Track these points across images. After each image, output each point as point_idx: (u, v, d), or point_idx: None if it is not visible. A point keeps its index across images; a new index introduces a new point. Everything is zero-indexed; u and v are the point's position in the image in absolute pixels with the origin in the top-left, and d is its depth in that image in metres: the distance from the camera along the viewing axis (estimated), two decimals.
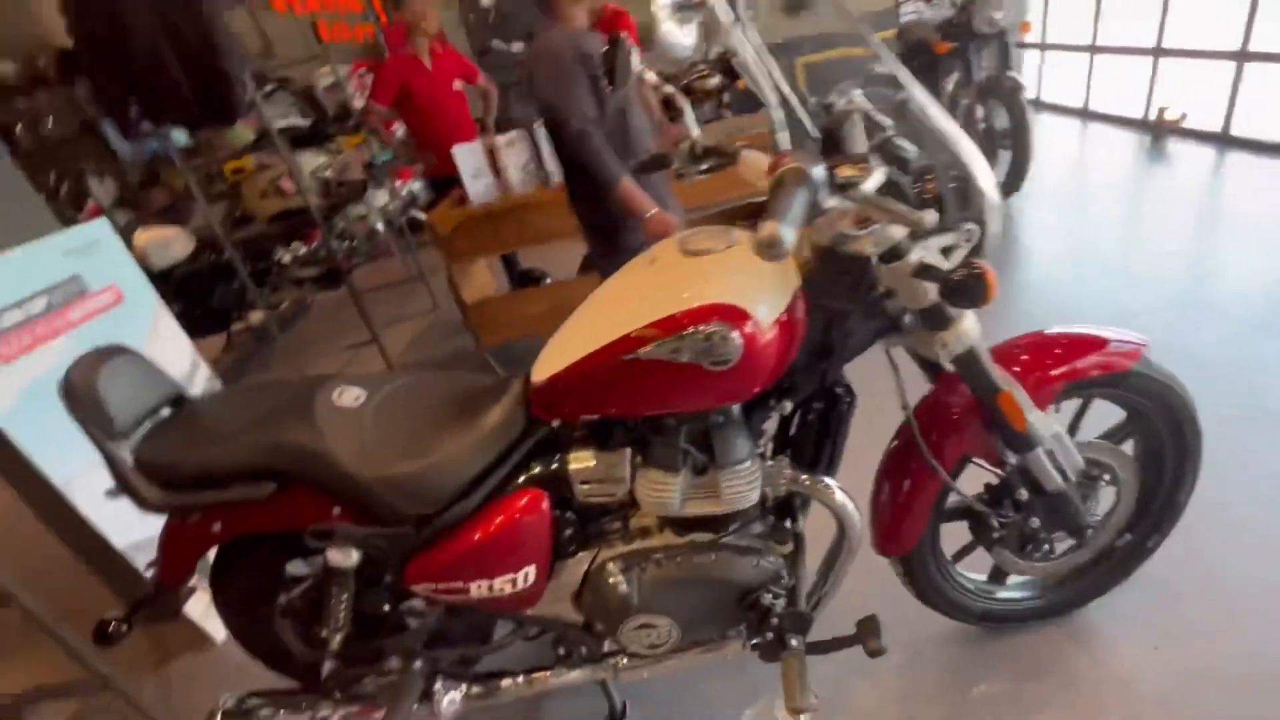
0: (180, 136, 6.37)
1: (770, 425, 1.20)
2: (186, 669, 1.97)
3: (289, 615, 1.39)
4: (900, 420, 1.27)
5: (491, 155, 3.00)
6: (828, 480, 1.14)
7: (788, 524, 1.21)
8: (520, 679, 1.35)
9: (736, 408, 1.13)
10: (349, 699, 1.33)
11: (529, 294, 3.07)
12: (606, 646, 1.35)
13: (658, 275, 1.03)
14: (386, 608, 1.40)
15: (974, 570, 1.44)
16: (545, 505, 1.16)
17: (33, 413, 1.67)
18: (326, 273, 3.48)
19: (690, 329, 0.93)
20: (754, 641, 1.25)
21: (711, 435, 1.09)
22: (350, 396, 1.22)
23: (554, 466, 1.18)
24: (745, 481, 1.09)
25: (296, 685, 1.46)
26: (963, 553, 1.41)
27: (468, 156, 2.92)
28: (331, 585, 1.27)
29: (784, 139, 1.14)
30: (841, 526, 1.18)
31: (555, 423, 1.18)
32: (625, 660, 1.34)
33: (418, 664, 1.29)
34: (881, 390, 1.17)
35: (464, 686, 1.33)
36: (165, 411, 1.27)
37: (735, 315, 0.93)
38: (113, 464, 1.16)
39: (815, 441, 1.17)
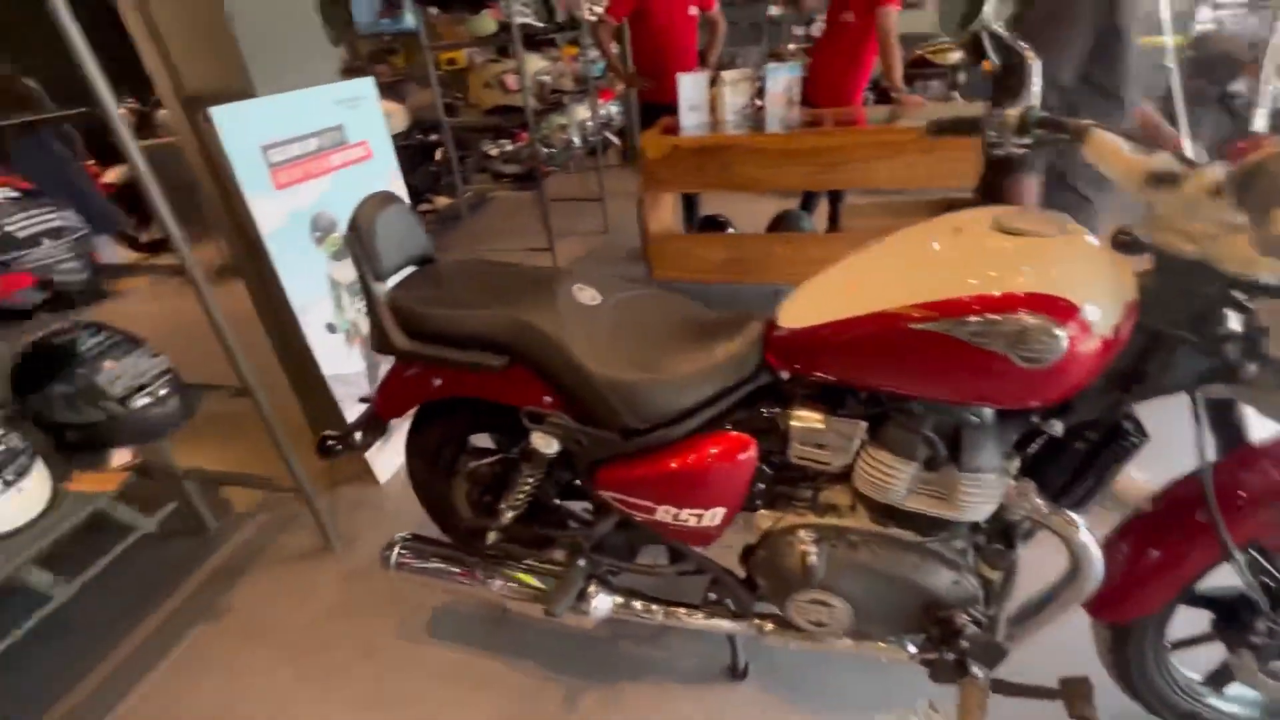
0: (410, 18, 6.79)
1: (1016, 438, 1.07)
2: (351, 497, 2.20)
3: (472, 481, 1.48)
4: (1166, 476, 1.10)
5: (712, 90, 2.92)
6: (1074, 516, 1.01)
7: (1003, 549, 1.10)
8: (664, 610, 1.37)
9: (991, 411, 1.02)
10: (506, 572, 1.41)
11: (712, 239, 3.01)
12: (757, 606, 1.34)
13: (968, 246, 0.92)
14: (558, 501, 1.46)
15: (1187, 665, 1.25)
16: (753, 453, 1.13)
17: (290, 239, 1.87)
18: (525, 173, 3.60)
19: (1012, 314, 0.83)
20: (928, 656, 1.18)
21: (962, 433, 0.99)
22: (588, 295, 1.24)
23: (772, 417, 1.13)
24: (985, 491, 0.99)
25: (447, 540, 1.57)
26: (1186, 643, 1.23)
27: (691, 87, 2.85)
28: (524, 465, 1.33)
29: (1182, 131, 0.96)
30: (1075, 570, 1.04)
31: (785, 374, 1.13)
32: (771, 625, 1.32)
33: (582, 562, 1.33)
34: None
35: (614, 598, 1.37)
36: (412, 267, 1.36)
37: (1065, 312, 0.82)
38: (371, 302, 1.25)
39: (1073, 473, 1.03)
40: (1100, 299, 0.84)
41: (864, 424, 1.05)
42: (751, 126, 2.84)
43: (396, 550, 1.48)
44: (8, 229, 1.21)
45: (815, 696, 1.43)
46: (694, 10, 3.23)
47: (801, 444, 1.09)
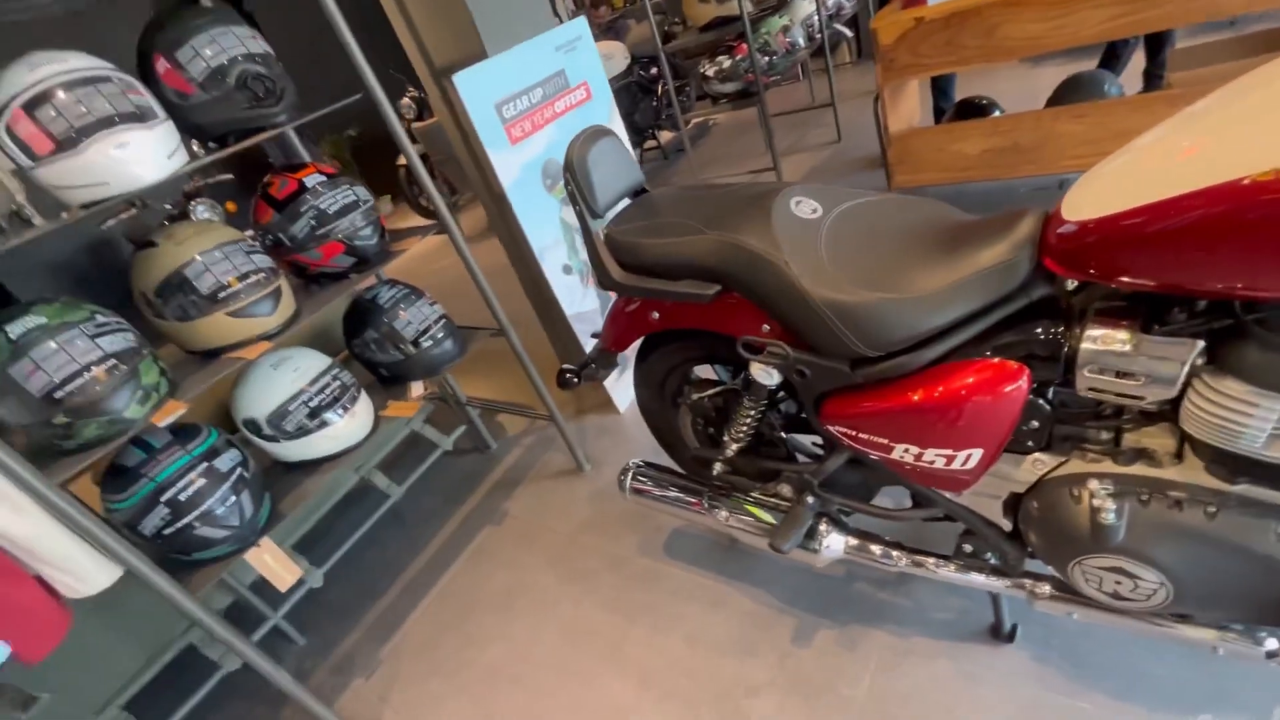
0: None
1: None
2: (596, 424, 2.41)
3: (695, 412, 1.48)
4: None
5: None
6: None
7: None
8: (907, 557, 1.23)
9: None
10: (732, 504, 1.40)
11: (969, 127, 2.49)
12: (1027, 564, 1.12)
13: None
14: (783, 435, 1.39)
15: None
16: (1024, 384, 0.91)
17: (525, 189, 2.02)
18: (743, 89, 3.40)
19: None
20: None
21: None
22: (808, 208, 1.10)
23: (1051, 338, 0.89)
24: None
25: (679, 470, 1.61)
26: None
27: None
28: (744, 398, 1.28)
29: None
30: None
31: (1072, 282, 0.87)
32: (1046, 588, 1.09)
33: (810, 500, 1.25)
34: None
35: (847, 539, 1.27)
36: (626, 200, 1.35)
37: None
38: (589, 238, 1.28)
39: None
40: None
41: (1200, 343, 0.76)
42: None
43: (631, 477, 1.56)
44: (322, 206, 1.50)
45: (1110, 677, 1.18)
46: None
47: (1099, 373, 0.84)
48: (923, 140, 2.60)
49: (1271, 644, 0.91)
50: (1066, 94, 2.47)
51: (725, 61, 3.35)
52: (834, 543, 1.26)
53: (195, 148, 1.39)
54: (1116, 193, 0.77)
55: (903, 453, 1.04)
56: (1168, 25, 2.10)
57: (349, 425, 1.58)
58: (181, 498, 1.30)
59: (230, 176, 4.50)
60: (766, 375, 1.15)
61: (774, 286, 1.03)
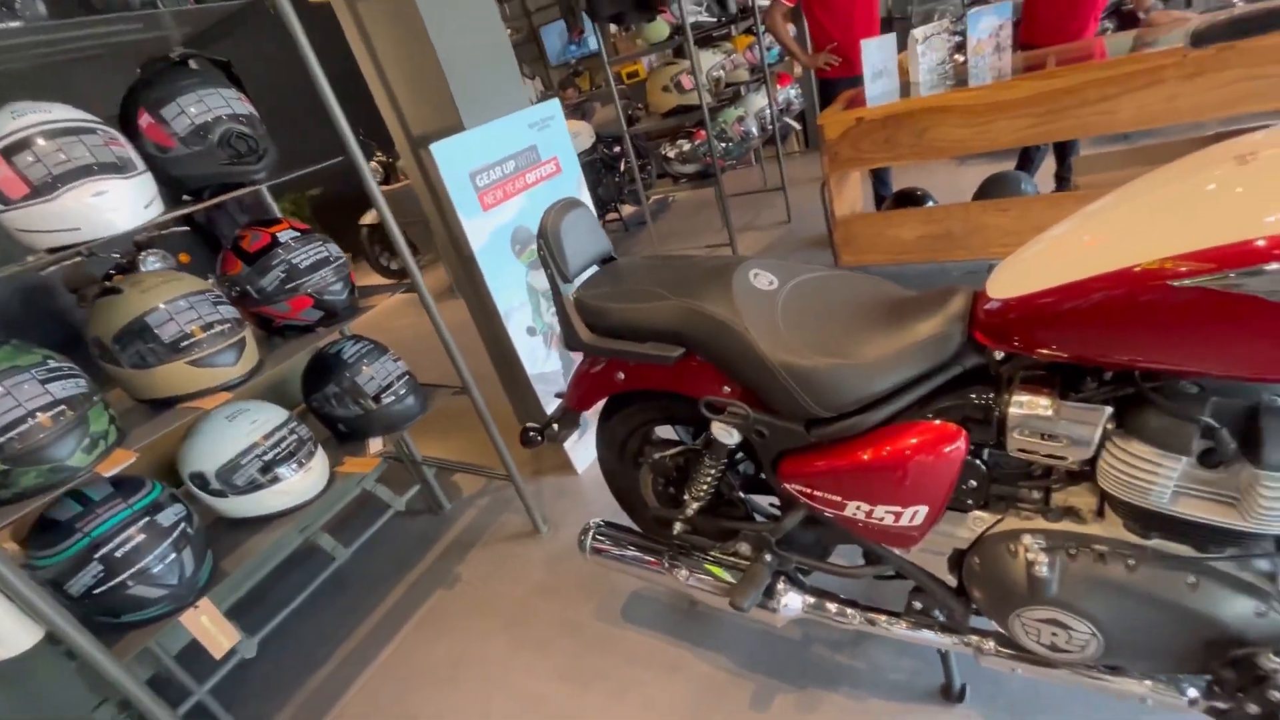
0: (592, 42, 7.25)
1: None
2: (554, 485, 2.40)
3: (657, 471, 1.52)
4: None
5: (901, 55, 2.67)
6: None
7: None
8: (861, 615, 1.26)
9: None
10: (692, 563, 1.41)
11: (906, 215, 2.73)
12: (974, 621, 1.17)
13: (1265, 174, 0.71)
14: (741, 495, 1.43)
15: None
16: (962, 445, 0.99)
17: (494, 253, 2.09)
18: (702, 171, 3.63)
19: None
20: (1217, 705, 0.93)
21: (1263, 420, 0.76)
22: (765, 280, 1.19)
23: (983, 403, 0.98)
24: None
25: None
26: None
27: (876, 52, 2.62)
28: (705, 457, 1.33)
29: None
30: None
31: (999, 353, 0.97)
32: (991, 644, 1.14)
33: (768, 557, 1.29)
34: None
35: (804, 597, 1.30)
36: (594, 268, 1.42)
37: None
38: (559, 301, 1.34)
39: None
40: None
41: (1108, 409, 0.86)
42: (953, 84, 2.53)
43: (591, 536, 1.56)
44: (294, 261, 1.53)
45: None
46: None
47: (1024, 435, 0.93)
48: (865, 225, 2.83)
49: (1192, 693, 0.97)
50: (991, 189, 2.76)
51: (685, 145, 3.60)
52: (792, 601, 1.29)
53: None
54: (1032, 275, 0.88)
55: (855, 509, 1.10)
56: (1070, 136, 2.40)
57: (303, 481, 1.54)
58: (118, 554, 1.23)
59: (186, 229, 4.45)
60: (727, 434, 1.20)
61: (735, 350, 1.10)
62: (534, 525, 2.18)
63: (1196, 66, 1.97)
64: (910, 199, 2.92)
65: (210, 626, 1.33)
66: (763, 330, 1.08)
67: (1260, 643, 0.85)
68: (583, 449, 2.44)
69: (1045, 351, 0.88)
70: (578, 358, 2.31)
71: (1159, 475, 0.82)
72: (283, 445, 1.54)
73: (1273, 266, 0.65)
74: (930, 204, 2.90)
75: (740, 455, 1.44)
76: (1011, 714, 1.27)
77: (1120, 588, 0.91)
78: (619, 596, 1.83)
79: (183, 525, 1.35)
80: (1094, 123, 2.19)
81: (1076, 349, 0.85)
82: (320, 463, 1.61)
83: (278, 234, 1.54)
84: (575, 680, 1.62)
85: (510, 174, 2.11)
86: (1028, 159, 3.09)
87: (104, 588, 1.23)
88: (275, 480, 1.51)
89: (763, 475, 1.48)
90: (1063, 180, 3.01)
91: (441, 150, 1.88)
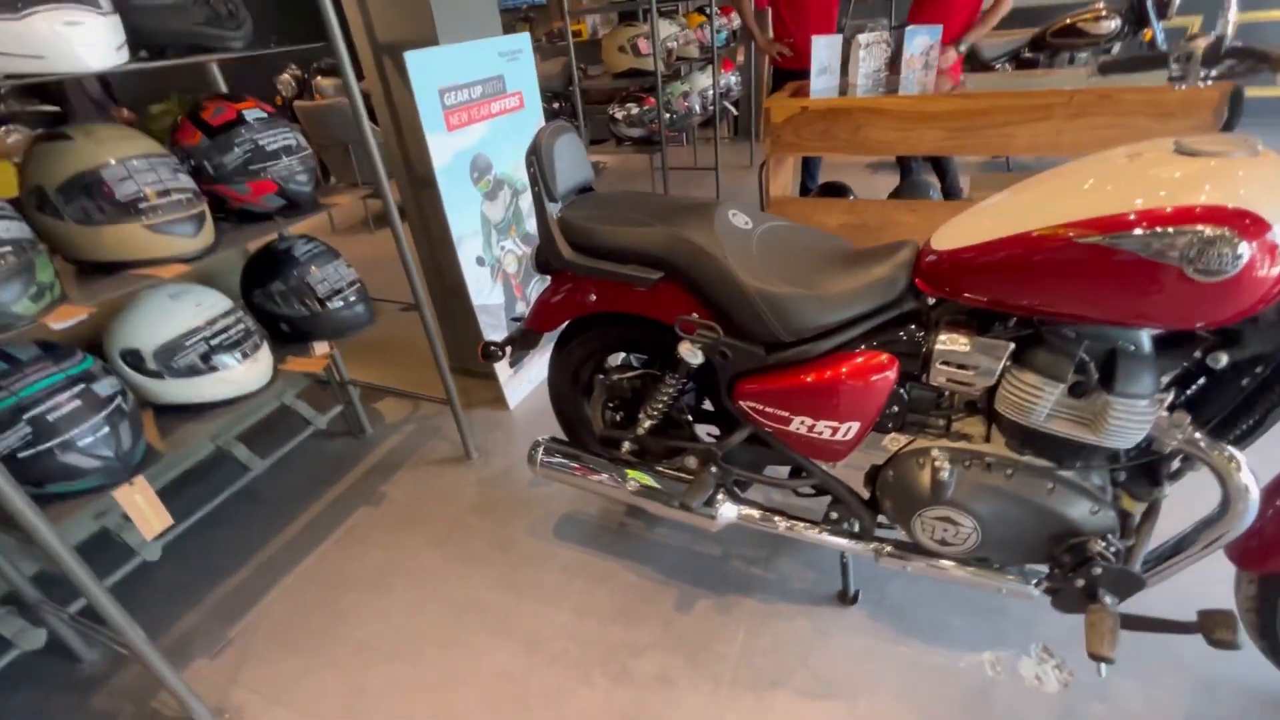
0: None
1: (1177, 373, 1.07)
2: (485, 418, 2.43)
3: (613, 393, 1.63)
4: None
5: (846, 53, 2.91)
6: (1234, 453, 1.00)
7: (1151, 485, 1.11)
8: (785, 522, 1.46)
9: (1148, 338, 1.03)
10: (639, 475, 1.54)
11: (832, 204, 3.00)
12: (876, 531, 1.40)
13: (1145, 169, 0.93)
14: (689, 417, 1.58)
15: None
16: (893, 372, 1.19)
17: (453, 177, 2.08)
18: (646, 136, 3.73)
19: (1193, 227, 0.84)
20: (1053, 585, 1.20)
21: (1118, 358, 1.01)
22: (741, 220, 1.33)
23: (915, 340, 1.19)
24: (1136, 419, 1.00)
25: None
26: None
27: (825, 49, 2.85)
28: (666, 376, 1.46)
29: None
30: (1225, 510, 1.04)
31: (933, 299, 1.18)
32: (889, 547, 1.37)
33: (714, 469, 1.44)
34: None
35: (739, 507, 1.47)
36: (576, 194, 1.50)
37: (1252, 227, 0.82)
38: (543, 218, 1.40)
39: (1236, 410, 1.02)
40: None
41: (1010, 345, 1.08)
42: (884, 91, 2.81)
43: (541, 450, 1.65)
44: (260, 142, 1.46)
45: (924, 630, 1.48)
46: None
47: (945, 365, 1.14)
48: (796, 207, 3.07)
49: (1034, 582, 1.25)
50: (903, 192, 3.09)
51: (634, 109, 3.68)
52: (728, 509, 1.46)
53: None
54: (962, 234, 1.08)
55: (799, 424, 1.27)
56: (976, 154, 2.77)
57: (249, 371, 1.49)
58: (50, 418, 1.16)
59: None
60: (693, 355, 1.34)
61: (714, 276, 1.23)
62: (465, 452, 2.21)
63: (1079, 108, 2.36)
64: (835, 190, 3.20)
65: (144, 506, 1.28)
66: (740, 261, 1.23)
67: (1090, 533, 1.12)
68: (516, 385, 2.49)
69: (968, 296, 1.09)
70: (519, 292, 2.36)
71: (1041, 398, 1.06)
72: (229, 332, 1.48)
73: (1136, 232, 0.88)
74: (851, 197, 3.20)
75: (690, 385, 1.58)
76: (893, 613, 1.52)
77: (1000, 491, 1.15)
78: (551, 517, 1.92)
79: (118, 399, 1.28)
80: (996, 144, 2.54)
81: (990, 295, 1.06)
82: (266, 356, 1.56)
83: (244, 110, 1.46)
84: (510, 589, 1.70)
85: (477, 99, 2.10)
86: (907, 171, 3.47)
87: (30, 452, 1.15)
88: (217, 368, 1.46)
89: (707, 406, 1.65)
90: (951, 194, 3.42)
91: (415, 60, 1.85)
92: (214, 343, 1.44)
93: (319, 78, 5.36)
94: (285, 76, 5.51)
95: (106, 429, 1.23)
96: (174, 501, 2.10)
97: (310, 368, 1.64)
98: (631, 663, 1.48)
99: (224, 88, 1.76)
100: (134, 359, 1.39)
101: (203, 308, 1.45)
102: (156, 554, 1.63)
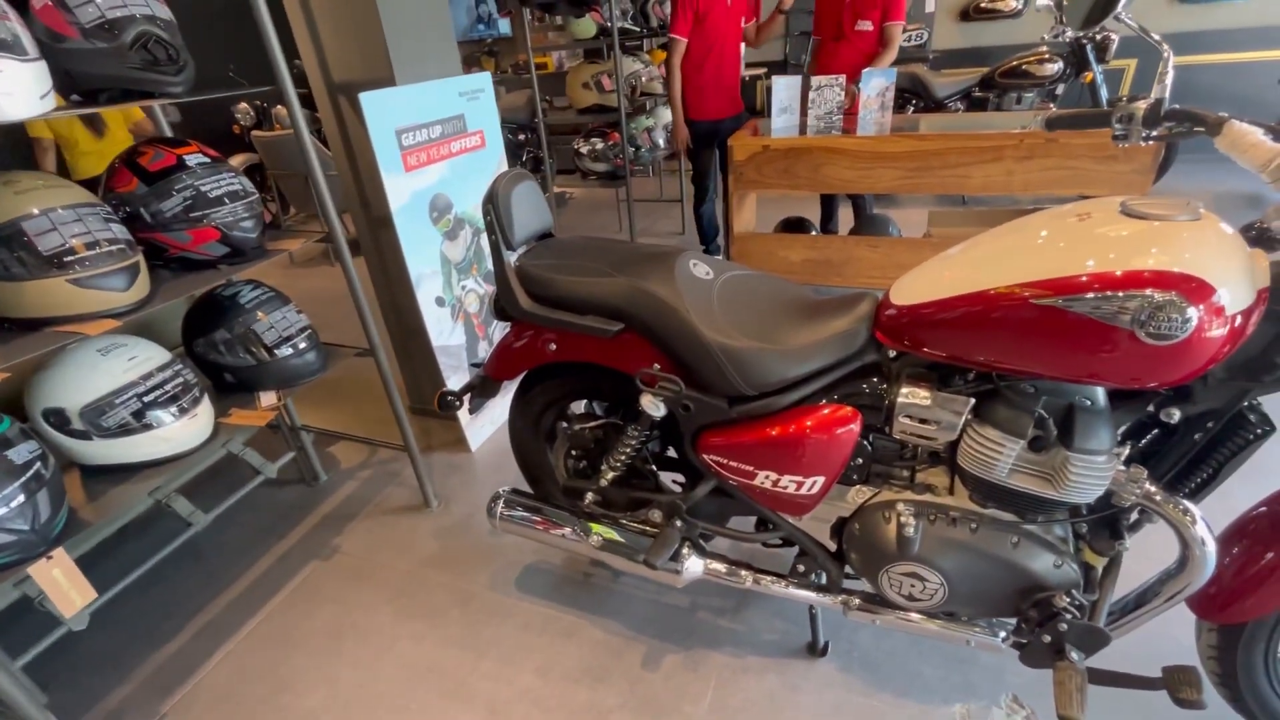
0: (502, 25, 7.12)
1: (1131, 425, 1.08)
2: (446, 462, 2.35)
3: (575, 443, 1.58)
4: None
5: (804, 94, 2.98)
6: (1190, 506, 1.01)
7: (1112, 538, 1.11)
8: (752, 576, 1.42)
9: (1104, 394, 1.03)
10: (602, 529, 1.50)
11: (794, 239, 3.04)
12: (844, 583, 1.37)
13: (1094, 229, 0.95)
14: (653, 467, 1.54)
15: None
16: (856, 426, 1.17)
17: (412, 216, 2.03)
18: (611, 171, 3.74)
19: (1143, 291, 0.85)
20: (1020, 640, 1.19)
21: (1075, 414, 1.01)
22: (702, 270, 1.32)
23: (877, 392, 1.18)
24: (1094, 475, 1.00)
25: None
26: None
27: (784, 90, 2.91)
28: (629, 428, 1.42)
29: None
30: (1185, 563, 1.04)
31: (894, 351, 1.18)
32: (857, 600, 1.35)
33: (678, 523, 1.40)
34: None
35: (705, 561, 1.43)
36: (534, 241, 1.47)
37: (1198, 291, 0.83)
38: (500, 267, 1.37)
39: (1190, 463, 1.03)
40: (1232, 282, 0.85)
41: (971, 400, 1.08)
42: (839, 132, 2.87)
43: (501, 503, 1.59)
44: (202, 189, 1.40)
45: (894, 680, 1.45)
46: (744, 22, 3.29)
47: (906, 419, 1.13)
48: (759, 243, 3.10)
49: (1002, 634, 1.23)
50: (863, 228, 3.15)
51: (599, 143, 3.69)
52: (694, 564, 1.42)
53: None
54: (920, 289, 1.08)
55: (763, 478, 1.25)
56: (931, 192, 2.83)
57: (186, 428, 1.41)
58: None
59: None
60: (655, 407, 1.31)
61: (675, 329, 1.21)
62: (424, 499, 2.13)
63: (1029, 151, 2.44)
64: (797, 225, 3.24)
65: (63, 581, 1.18)
66: (701, 313, 1.21)
67: (1055, 587, 1.11)
68: (478, 427, 2.42)
69: (927, 351, 1.09)
70: (480, 333, 2.31)
71: (1002, 454, 1.05)
72: (165, 388, 1.39)
73: (1089, 295, 0.89)
74: (813, 233, 3.25)
75: (655, 433, 1.55)
76: (863, 664, 1.49)
77: (965, 545, 1.14)
78: (514, 568, 1.85)
79: (37, 465, 1.18)
80: (951, 183, 2.61)
81: (949, 350, 1.06)
82: (206, 410, 1.48)
83: (184, 156, 1.40)
84: (468, 648, 1.63)
85: (436, 139, 2.07)
86: (830, 211, 3.56)
87: None
88: (152, 426, 1.37)
89: (671, 453, 1.61)
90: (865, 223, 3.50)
91: (371, 101, 1.81)
92: (148, 399, 1.36)
93: (279, 106, 5.28)
94: (243, 105, 5.41)
95: (21, 499, 1.14)
96: (106, 562, 1.99)
97: (256, 421, 1.56)
98: None
99: (167, 130, 1.70)
100: (58, 419, 1.30)
101: (136, 362, 1.36)
102: (84, 623, 1.50)
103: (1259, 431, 0.98)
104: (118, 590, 1.55)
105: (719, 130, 3.36)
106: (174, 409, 1.40)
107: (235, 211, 1.45)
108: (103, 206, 1.25)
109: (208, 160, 1.45)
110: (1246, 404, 0.98)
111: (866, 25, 3.12)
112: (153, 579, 1.90)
